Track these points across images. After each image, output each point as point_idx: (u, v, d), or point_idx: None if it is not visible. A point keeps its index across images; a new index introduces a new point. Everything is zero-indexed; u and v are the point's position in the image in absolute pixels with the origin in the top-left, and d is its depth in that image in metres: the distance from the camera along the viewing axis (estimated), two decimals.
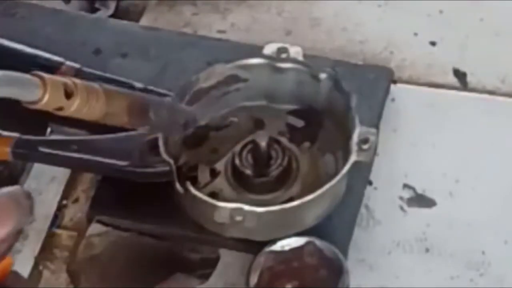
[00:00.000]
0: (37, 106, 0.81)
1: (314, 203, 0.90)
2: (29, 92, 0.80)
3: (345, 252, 0.93)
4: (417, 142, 1.03)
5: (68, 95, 0.83)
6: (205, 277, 0.94)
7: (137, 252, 0.97)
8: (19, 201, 0.80)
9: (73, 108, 0.84)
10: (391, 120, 1.04)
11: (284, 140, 0.99)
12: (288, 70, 0.99)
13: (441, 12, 1.16)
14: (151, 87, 1.02)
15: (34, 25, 1.14)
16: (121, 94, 0.91)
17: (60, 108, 0.83)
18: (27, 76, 0.80)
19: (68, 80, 0.84)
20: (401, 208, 0.99)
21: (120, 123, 0.91)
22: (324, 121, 0.99)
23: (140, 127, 0.93)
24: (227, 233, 0.93)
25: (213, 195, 0.94)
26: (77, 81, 0.85)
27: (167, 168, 0.91)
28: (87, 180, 1.04)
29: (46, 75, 0.81)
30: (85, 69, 1.05)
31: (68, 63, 1.05)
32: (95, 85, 0.88)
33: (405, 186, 1.00)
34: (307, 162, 0.99)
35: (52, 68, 1.05)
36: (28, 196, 0.82)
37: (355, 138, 0.90)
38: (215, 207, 0.88)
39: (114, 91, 0.90)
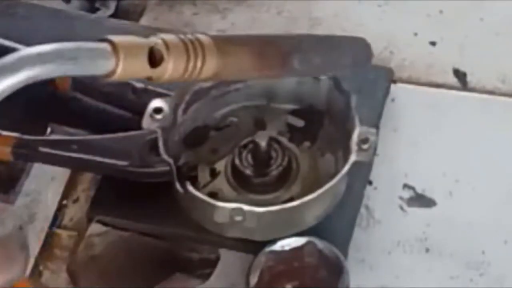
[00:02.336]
0: (114, 79, 0.64)
1: (314, 203, 0.90)
2: (99, 63, 0.64)
3: (345, 252, 0.93)
4: (417, 142, 1.03)
5: (156, 60, 0.65)
6: (205, 277, 0.94)
7: (137, 252, 0.97)
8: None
9: (166, 75, 0.66)
10: (391, 120, 1.04)
11: (284, 140, 0.99)
12: None
13: (441, 12, 1.16)
14: (151, 87, 1.02)
15: (34, 25, 1.14)
16: (244, 43, 0.71)
17: (149, 78, 0.66)
18: (91, 45, 0.65)
19: (157, 41, 0.66)
20: (401, 208, 0.99)
21: (245, 77, 0.73)
22: (324, 121, 0.99)
23: (280, 77, 0.74)
24: (227, 233, 0.93)
25: (213, 195, 0.94)
26: (172, 38, 0.66)
27: (167, 168, 0.91)
28: (87, 180, 1.04)
29: (119, 39, 0.64)
30: None
31: None
32: (203, 37, 0.68)
33: (405, 186, 1.00)
34: (307, 162, 0.99)
35: None
36: (23, 246, 0.69)
37: (355, 138, 0.90)
38: (215, 207, 0.88)
39: (233, 42, 0.70)
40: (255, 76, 0.73)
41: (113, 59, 0.63)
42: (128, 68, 0.64)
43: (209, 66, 0.68)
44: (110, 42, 0.64)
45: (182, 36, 0.67)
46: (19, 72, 0.62)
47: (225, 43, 0.69)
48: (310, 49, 0.76)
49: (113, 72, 0.64)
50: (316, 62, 0.75)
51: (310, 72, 0.76)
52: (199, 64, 0.68)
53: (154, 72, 0.66)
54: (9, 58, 0.61)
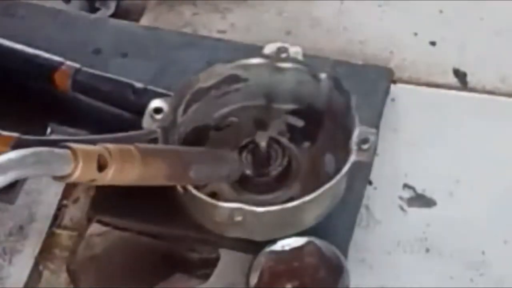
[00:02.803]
0: (67, 181, 0.74)
1: (314, 203, 0.90)
2: (59, 167, 0.72)
3: (345, 252, 0.93)
4: (417, 142, 1.03)
5: (102, 166, 0.75)
6: (205, 277, 0.94)
7: (137, 252, 0.97)
8: None
9: (106, 179, 0.76)
10: (391, 120, 1.04)
11: (284, 140, 0.99)
12: (288, 70, 0.99)
13: (441, 12, 1.16)
14: (151, 87, 1.02)
15: (34, 25, 1.14)
16: (159, 155, 0.84)
17: (92, 180, 0.76)
18: (56, 151, 0.72)
19: (103, 149, 0.76)
20: (401, 208, 0.99)
21: (157, 183, 0.84)
22: (324, 121, 0.99)
23: (179, 184, 0.88)
24: (227, 233, 0.93)
25: (213, 195, 0.94)
26: (111, 147, 0.77)
27: None
28: None
29: (78, 147, 0.73)
30: (85, 69, 1.05)
31: (68, 63, 1.05)
32: (131, 147, 0.80)
33: (405, 186, 1.00)
34: (307, 162, 0.99)
35: (52, 67, 1.05)
36: None
37: (355, 138, 0.90)
38: (215, 207, 0.88)
39: (151, 153, 0.82)
40: (164, 182, 0.85)
41: (73, 164, 0.72)
42: (83, 171, 0.73)
43: (135, 172, 0.79)
44: (71, 149, 0.73)
45: (119, 146, 0.78)
46: (5, 174, 0.69)
47: (146, 154, 0.81)
48: (202, 161, 0.90)
49: (71, 174, 0.73)
50: (205, 172, 0.89)
51: (201, 181, 0.90)
52: (129, 171, 0.78)
53: (99, 176, 0.75)
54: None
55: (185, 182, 0.87)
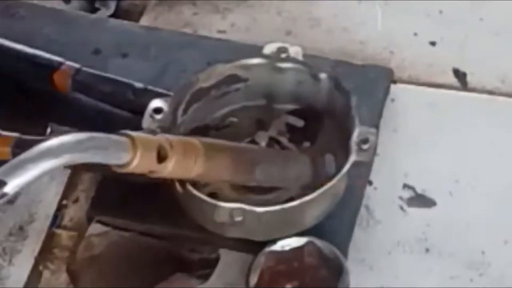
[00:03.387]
0: (125, 170, 0.72)
1: (314, 203, 0.90)
2: (116, 155, 0.71)
3: (345, 252, 0.93)
4: (417, 142, 1.03)
5: (161, 157, 0.74)
6: (205, 277, 0.94)
7: (137, 252, 0.97)
8: None
9: (166, 172, 0.75)
10: (391, 120, 1.04)
11: (284, 140, 0.99)
12: (288, 70, 0.99)
13: (441, 12, 1.16)
14: (151, 87, 1.02)
15: (34, 25, 1.14)
16: (223, 151, 0.81)
17: (151, 172, 0.74)
18: (115, 137, 0.71)
19: (164, 140, 0.74)
20: (401, 208, 0.99)
21: (219, 180, 0.82)
22: (324, 121, 0.99)
23: (244, 183, 0.84)
24: (227, 233, 0.93)
25: (213, 195, 0.94)
26: (174, 139, 0.75)
27: None
28: (87, 180, 1.04)
29: (137, 135, 0.72)
30: (85, 69, 1.05)
31: (68, 63, 1.05)
32: (195, 141, 0.78)
33: (405, 186, 1.00)
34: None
35: (52, 68, 1.05)
36: None
37: (355, 138, 0.90)
38: (215, 207, 0.88)
39: (215, 148, 0.80)
40: (228, 180, 0.82)
41: (131, 153, 0.71)
42: (141, 161, 0.71)
43: (198, 167, 0.77)
44: (130, 137, 0.71)
45: (182, 139, 0.76)
46: (59, 156, 0.67)
47: (210, 149, 0.78)
48: (270, 160, 0.88)
49: (129, 163, 0.71)
50: (272, 172, 0.87)
51: (267, 182, 0.87)
52: (191, 164, 0.77)
53: (158, 167, 0.73)
54: (50, 143, 0.68)
55: (250, 182, 0.84)
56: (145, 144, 0.72)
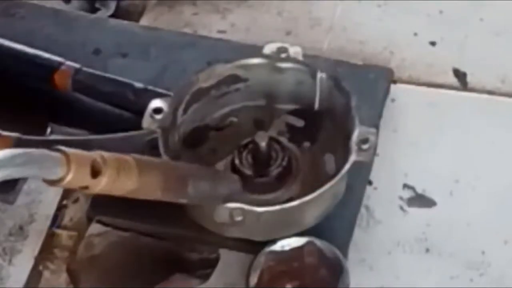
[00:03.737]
0: (58, 185, 0.73)
1: (314, 203, 0.90)
2: (50, 170, 0.71)
3: (345, 252, 0.93)
4: (417, 142, 1.03)
5: (95, 173, 0.74)
6: (205, 277, 0.94)
7: (137, 252, 0.97)
8: None
9: (99, 187, 0.75)
10: (391, 120, 1.04)
11: (284, 140, 0.99)
12: (288, 70, 0.99)
13: (441, 12, 1.16)
14: (151, 87, 1.02)
15: (34, 25, 1.14)
16: (156, 167, 0.82)
17: (85, 187, 0.74)
18: (48, 153, 0.71)
19: (97, 156, 0.75)
20: (401, 208, 0.99)
21: (151, 197, 0.82)
22: (324, 121, 0.99)
23: (175, 201, 0.85)
24: (227, 233, 0.93)
25: None
26: (107, 155, 0.76)
27: None
28: None
29: (71, 151, 0.72)
30: (85, 69, 1.05)
31: (68, 63, 1.05)
32: (128, 157, 0.78)
33: (405, 186, 1.00)
34: (307, 162, 0.99)
35: (52, 68, 1.05)
36: None
37: (355, 138, 0.90)
38: (215, 207, 0.88)
39: (148, 164, 0.81)
40: (160, 196, 0.83)
41: (65, 168, 0.71)
42: (75, 176, 0.72)
43: (130, 182, 0.78)
44: (64, 153, 0.72)
45: (115, 155, 0.77)
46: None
47: (143, 165, 0.79)
48: (200, 177, 0.88)
49: (63, 178, 0.71)
50: (203, 189, 0.87)
51: (198, 199, 0.87)
52: (124, 180, 0.77)
53: (92, 182, 0.74)
54: None
55: (182, 198, 0.86)
56: (79, 160, 0.73)
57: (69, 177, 0.72)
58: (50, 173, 0.71)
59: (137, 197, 0.81)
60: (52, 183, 0.72)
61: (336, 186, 0.91)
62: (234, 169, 0.96)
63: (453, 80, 1.10)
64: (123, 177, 0.77)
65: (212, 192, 0.89)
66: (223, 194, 0.90)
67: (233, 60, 0.99)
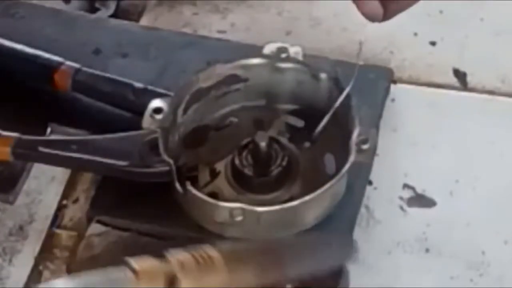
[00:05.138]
0: None
1: (314, 203, 0.90)
2: None
3: None
4: (417, 142, 1.03)
5: (171, 282, 0.70)
6: None
7: (137, 252, 0.97)
8: None
9: None
10: (391, 120, 1.04)
11: (284, 140, 0.99)
12: (288, 70, 0.99)
13: (441, 12, 1.16)
14: (151, 87, 1.02)
15: (34, 25, 1.14)
16: (248, 258, 0.74)
17: None
18: (115, 275, 0.68)
19: (174, 263, 0.70)
20: (401, 208, 0.99)
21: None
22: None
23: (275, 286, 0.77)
24: (227, 233, 0.93)
25: (213, 195, 0.94)
26: (185, 259, 0.70)
27: (167, 168, 0.91)
28: (87, 180, 1.04)
29: (141, 266, 0.69)
30: (85, 69, 1.05)
31: (68, 63, 1.05)
32: (214, 254, 0.71)
33: (405, 186, 1.00)
34: (307, 162, 0.99)
35: (52, 68, 1.05)
36: None
37: (355, 138, 0.90)
38: (215, 207, 0.88)
39: (238, 256, 0.73)
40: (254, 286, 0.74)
41: (134, 285, 0.68)
42: None
43: (220, 279, 0.71)
44: (133, 270, 0.68)
45: (197, 252, 0.70)
46: None
47: (233, 260, 0.72)
48: (302, 253, 0.79)
49: None
50: (305, 266, 0.78)
51: (300, 275, 0.78)
52: (208, 280, 0.71)
53: None
54: None
55: (281, 284, 0.79)
56: (150, 275, 0.70)
57: None
58: None
59: None
60: None
61: (336, 186, 0.91)
62: (234, 169, 0.96)
63: (453, 80, 1.10)
64: (208, 277, 0.71)
65: (312, 264, 0.80)
66: (327, 266, 0.82)
67: (233, 60, 0.99)
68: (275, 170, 0.96)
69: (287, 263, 0.76)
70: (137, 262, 0.68)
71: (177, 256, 0.71)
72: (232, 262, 0.72)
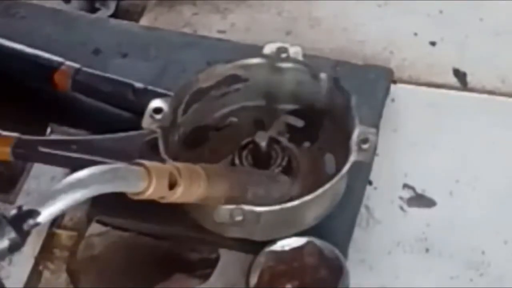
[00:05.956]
0: (140, 197, 0.76)
1: (314, 203, 0.90)
2: (134, 184, 0.75)
3: (345, 252, 0.93)
4: (417, 142, 1.03)
5: (172, 184, 0.78)
6: (205, 277, 0.94)
7: (137, 252, 0.97)
8: None
9: (175, 196, 0.79)
10: (391, 120, 1.04)
11: (284, 140, 0.99)
12: (288, 70, 0.99)
13: (441, 12, 1.16)
14: (151, 87, 1.02)
15: (34, 25, 1.14)
16: (222, 175, 0.86)
17: (162, 198, 0.79)
18: (132, 168, 0.75)
19: (173, 168, 0.79)
20: (401, 208, 0.99)
21: (214, 204, 0.86)
22: (324, 121, 0.99)
23: (235, 204, 0.87)
24: (227, 233, 0.93)
25: None
26: (181, 166, 0.80)
27: None
28: None
29: (151, 165, 0.76)
30: (85, 69, 1.05)
31: (68, 63, 1.05)
32: (198, 168, 0.82)
33: (405, 186, 1.00)
34: (307, 162, 0.99)
35: (52, 68, 1.05)
36: None
37: (355, 138, 0.90)
38: (215, 207, 0.88)
39: (215, 173, 0.85)
40: (222, 202, 0.86)
41: (147, 181, 0.75)
42: (156, 189, 0.76)
43: (200, 191, 0.82)
44: (145, 167, 0.76)
45: (187, 165, 0.81)
46: (88, 188, 0.72)
47: (212, 174, 0.83)
48: (258, 182, 0.91)
49: (145, 191, 0.76)
50: (260, 194, 0.90)
51: (255, 202, 0.89)
52: (196, 189, 0.81)
53: (169, 193, 0.78)
54: (79, 175, 0.73)
55: (241, 203, 0.87)
56: (158, 173, 0.76)
57: (150, 190, 0.76)
58: (135, 187, 0.75)
59: (202, 203, 0.84)
60: (134, 195, 0.76)
61: (336, 186, 0.91)
62: None
63: (453, 80, 1.10)
64: (194, 186, 0.81)
65: (266, 195, 0.91)
66: (275, 197, 0.91)
67: (233, 60, 0.99)
68: (275, 170, 0.96)
69: (248, 190, 0.88)
70: (148, 163, 0.76)
71: (176, 164, 0.80)
72: (212, 177, 0.83)
